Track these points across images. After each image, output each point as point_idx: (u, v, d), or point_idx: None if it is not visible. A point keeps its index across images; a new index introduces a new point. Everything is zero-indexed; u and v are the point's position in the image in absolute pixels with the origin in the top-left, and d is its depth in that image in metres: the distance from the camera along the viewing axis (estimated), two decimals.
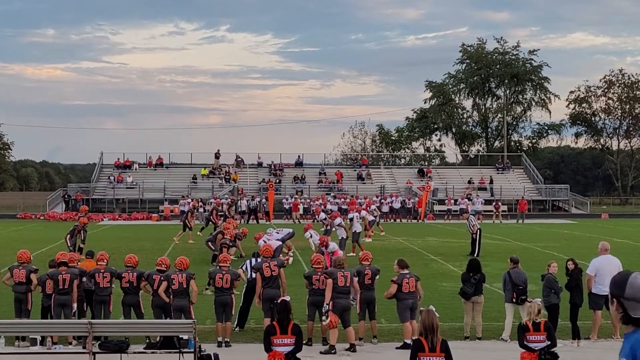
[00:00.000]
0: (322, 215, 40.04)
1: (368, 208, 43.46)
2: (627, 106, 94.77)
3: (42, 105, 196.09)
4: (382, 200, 59.67)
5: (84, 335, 14.09)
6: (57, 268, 16.09)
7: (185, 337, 14.36)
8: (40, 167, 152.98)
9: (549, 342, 12.18)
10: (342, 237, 31.07)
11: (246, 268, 17.97)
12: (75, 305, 15.91)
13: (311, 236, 29.97)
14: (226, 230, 29.67)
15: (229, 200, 56.52)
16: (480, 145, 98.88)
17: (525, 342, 12.23)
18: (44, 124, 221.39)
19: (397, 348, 16.09)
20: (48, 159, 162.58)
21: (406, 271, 16.32)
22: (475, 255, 31.32)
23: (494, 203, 61.50)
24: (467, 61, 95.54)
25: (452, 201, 63.00)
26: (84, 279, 16.33)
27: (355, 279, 16.09)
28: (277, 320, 11.04)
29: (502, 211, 60.85)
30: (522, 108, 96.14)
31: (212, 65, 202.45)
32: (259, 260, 17.71)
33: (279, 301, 11.42)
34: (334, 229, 32.75)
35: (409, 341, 16.11)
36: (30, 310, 16.28)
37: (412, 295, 16.15)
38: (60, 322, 15.15)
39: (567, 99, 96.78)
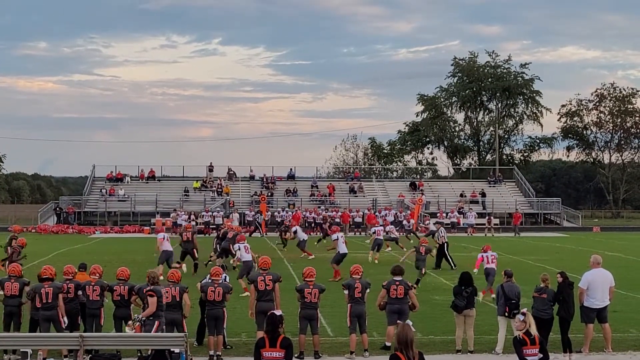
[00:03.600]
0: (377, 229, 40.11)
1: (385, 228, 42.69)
2: (619, 120, 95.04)
3: (34, 118, 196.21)
4: (377, 214, 59.73)
5: (75, 348, 14.04)
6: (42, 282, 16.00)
7: (177, 350, 14.32)
8: (32, 180, 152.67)
9: (542, 355, 12.15)
10: (339, 252, 30.37)
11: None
12: (65, 319, 15.79)
13: (239, 249, 27.72)
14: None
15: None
16: (472, 159, 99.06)
17: (523, 356, 12.14)
18: (35, 137, 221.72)
19: (381, 348, 16.57)
20: (40, 172, 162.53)
21: (398, 278, 16.41)
22: (452, 267, 32.01)
23: (487, 217, 61.58)
24: (459, 74, 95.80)
25: (444, 214, 63.11)
26: (80, 292, 16.25)
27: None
28: (266, 333, 11.03)
29: (494, 224, 60.92)
30: (513, 121, 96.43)
31: (204, 78, 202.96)
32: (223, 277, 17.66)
33: (268, 314, 11.39)
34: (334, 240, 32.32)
35: (388, 344, 16.41)
36: (21, 324, 16.19)
37: (398, 302, 16.31)
38: (51, 335, 15.08)
39: (558, 113, 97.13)
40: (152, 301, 14.92)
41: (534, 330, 11.94)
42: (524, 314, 12.25)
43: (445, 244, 33.11)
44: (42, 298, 15.54)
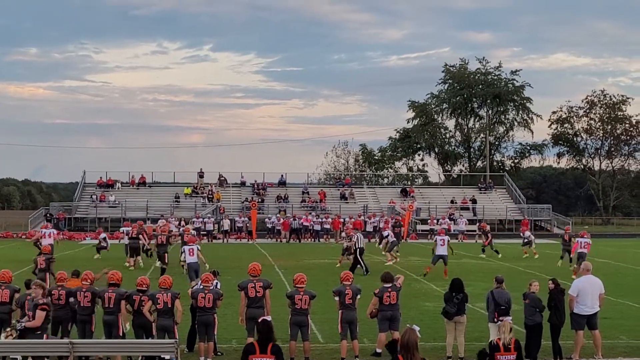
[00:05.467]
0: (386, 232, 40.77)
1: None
2: (609, 127, 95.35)
3: (25, 123, 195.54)
4: (367, 220, 59.78)
5: (65, 355, 14.00)
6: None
7: (167, 357, 14.29)
8: (23, 186, 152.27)
9: None
10: (436, 254, 32.73)
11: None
12: (126, 325, 15.87)
13: (184, 251, 28.59)
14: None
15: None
16: (463, 165, 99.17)
17: None
18: (26, 143, 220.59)
19: (372, 355, 16.58)
20: (30, 178, 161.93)
21: (388, 284, 16.43)
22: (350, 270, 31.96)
23: (478, 224, 61.52)
24: (450, 81, 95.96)
25: (434, 220, 63.02)
26: (71, 299, 16.23)
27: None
28: (258, 340, 10.99)
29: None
30: (504, 128, 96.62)
31: (195, 84, 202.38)
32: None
33: (260, 320, 11.34)
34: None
35: (379, 350, 16.45)
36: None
37: (392, 308, 16.38)
38: (41, 341, 15.03)
39: (549, 119, 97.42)
40: (39, 315, 14.69)
41: (505, 338, 11.87)
42: (501, 320, 12.24)
43: (359, 250, 33.39)
44: (105, 302, 15.65)
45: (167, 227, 38.07)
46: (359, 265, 32.99)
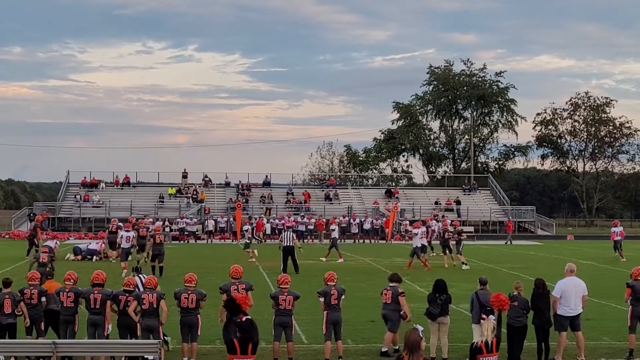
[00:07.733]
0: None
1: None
2: (593, 129, 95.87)
3: (8, 123, 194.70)
4: (352, 221, 59.77)
5: (48, 355, 13.95)
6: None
7: (150, 357, 14.25)
8: (6, 186, 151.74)
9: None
10: (415, 246, 35.47)
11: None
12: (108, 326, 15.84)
13: (122, 237, 33.44)
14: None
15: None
16: (447, 167, 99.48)
17: None
18: (9, 142, 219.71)
19: (380, 355, 16.84)
20: (14, 177, 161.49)
21: (390, 284, 16.99)
22: (290, 271, 32.23)
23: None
24: (435, 83, 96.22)
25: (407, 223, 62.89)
26: (43, 298, 16.17)
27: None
28: (240, 340, 10.95)
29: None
30: (488, 130, 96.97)
31: (179, 85, 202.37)
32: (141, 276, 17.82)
33: (244, 320, 11.28)
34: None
35: (385, 349, 16.81)
36: None
37: (385, 307, 16.81)
38: (24, 341, 14.98)
39: (533, 121, 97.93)
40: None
41: (487, 335, 11.88)
42: (483, 318, 12.21)
43: (285, 248, 33.57)
44: (91, 303, 15.55)
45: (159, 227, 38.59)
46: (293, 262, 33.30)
